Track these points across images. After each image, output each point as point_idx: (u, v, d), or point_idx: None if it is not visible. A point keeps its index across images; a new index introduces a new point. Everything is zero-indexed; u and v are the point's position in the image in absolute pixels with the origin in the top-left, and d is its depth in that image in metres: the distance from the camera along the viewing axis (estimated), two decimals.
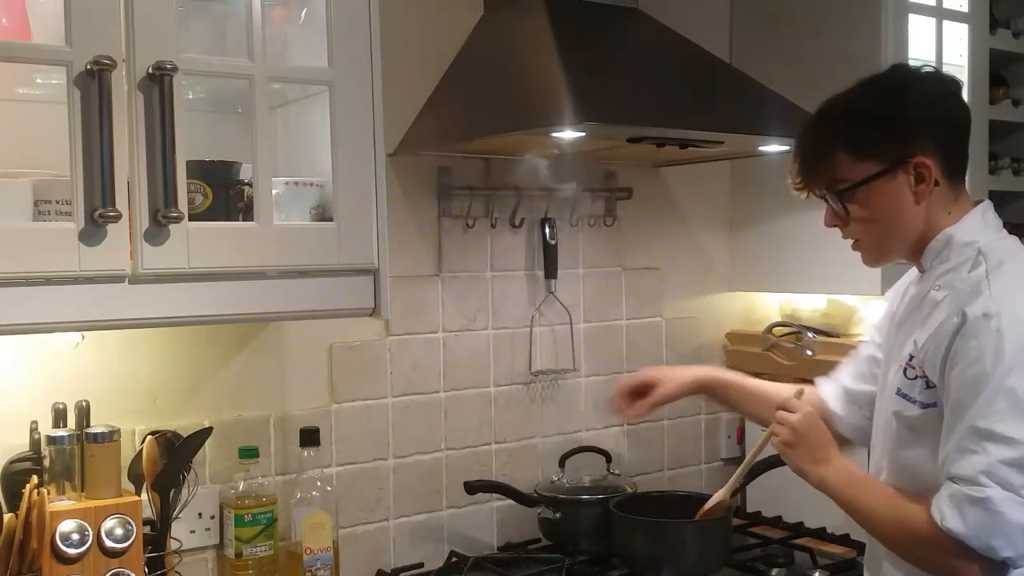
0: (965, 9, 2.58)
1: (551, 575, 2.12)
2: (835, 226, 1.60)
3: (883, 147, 1.51)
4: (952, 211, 1.54)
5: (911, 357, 1.52)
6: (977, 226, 1.54)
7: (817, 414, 1.64)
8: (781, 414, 1.63)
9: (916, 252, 1.57)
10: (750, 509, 2.61)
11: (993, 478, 1.36)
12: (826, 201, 1.57)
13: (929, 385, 1.48)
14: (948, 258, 1.53)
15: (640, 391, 1.94)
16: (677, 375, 1.94)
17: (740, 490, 2.35)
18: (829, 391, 1.81)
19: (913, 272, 1.67)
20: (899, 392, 1.53)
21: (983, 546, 1.37)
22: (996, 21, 2.71)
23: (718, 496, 1.96)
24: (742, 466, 1.89)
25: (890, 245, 1.58)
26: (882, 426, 1.61)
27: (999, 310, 1.40)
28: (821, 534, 2.39)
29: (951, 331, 1.43)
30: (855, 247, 1.61)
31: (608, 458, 2.36)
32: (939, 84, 1.57)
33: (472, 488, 2.19)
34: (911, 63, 1.59)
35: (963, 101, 1.59)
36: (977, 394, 1.38)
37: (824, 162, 1.54)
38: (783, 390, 1.82)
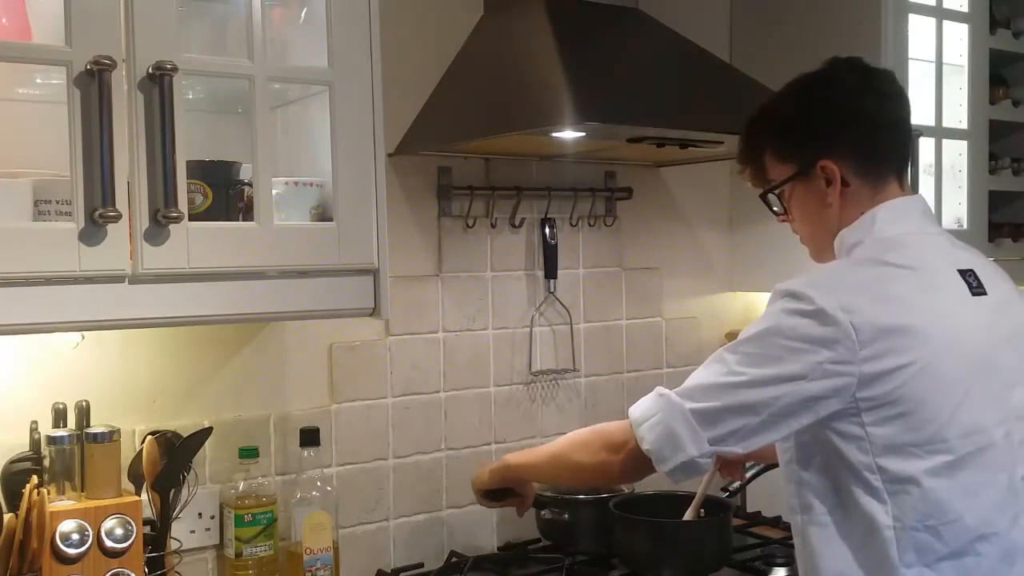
0: (965, 9, 2.58)
1: (551, 575, 2.12)
2: (784, 221, 1.63)
3: (796, 150, 1.54)
4: (867, 209, 1.52)
5: None
6: (865, 227, 1.51)
7: None
8: None
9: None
10: (750, 509, 2.60)
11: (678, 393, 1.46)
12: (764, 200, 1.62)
13: None
14: (840, 257, 1.55)
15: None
16: None
17: (740, 491, 2.34)
18: None
19: None
20: None
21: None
22: (996, 21, 2.72)
23: (694, 510, 2.03)
24: (701, 488, 2.00)
25: (819, 242, 1.60)
26: None
27: (789, 284, 1.43)
28: None
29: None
30: (802, 243, 1.65)
31: None
32: (864, 81, 1.54)
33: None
34: (841, 59, 1.56)
35: (893, 93, 1.55)
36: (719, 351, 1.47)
37: (754, 162, 1.60)
38: None
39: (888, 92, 1.54)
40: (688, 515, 2.04)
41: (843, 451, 1.41)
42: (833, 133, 1.51)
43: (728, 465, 1.96)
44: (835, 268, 1.52)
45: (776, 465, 2.20)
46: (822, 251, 1.61)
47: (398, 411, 2.21)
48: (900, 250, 1.48)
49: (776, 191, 1.58)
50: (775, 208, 1.61)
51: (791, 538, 2.32)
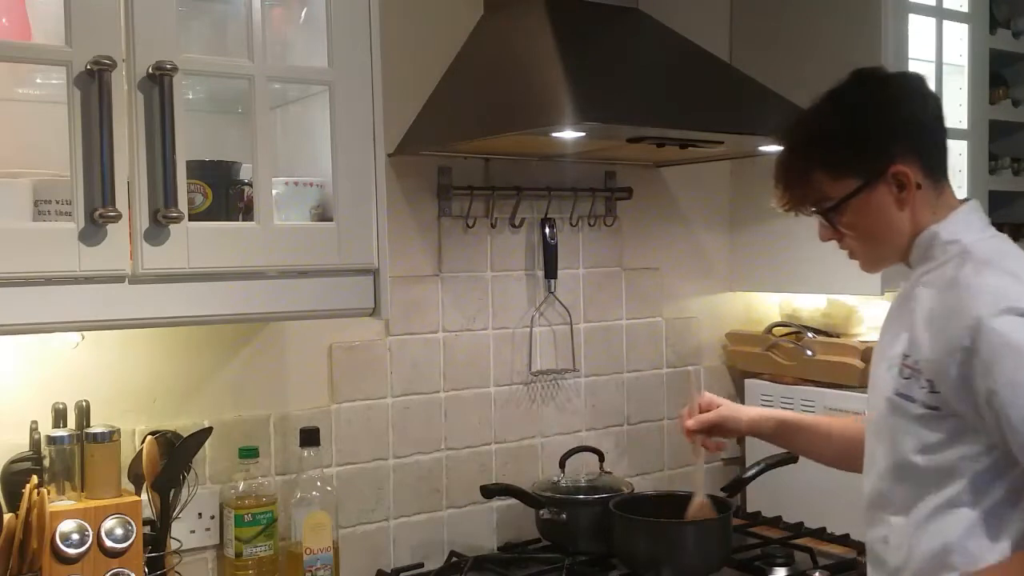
0: (965, 9, 2.58)
1: (551, 575, 2.12)
2: (830, 240, 1.61)
3: (858, 163, 1.52)
4: (936, 210, 1.54)
5: (905, 356, 1.51)
6: (961, 225, 1.54)
7: None
8: None
9: (903, 254, 1.58)
10: (750, 509, 2.61)
11: None
12: (816, 218, 1.59)
13: (934, 390, 1.47)
14: (933, 256, 1.53)
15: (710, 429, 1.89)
16: (745, 412, 1.90)
17: (739, 490, 2.34)
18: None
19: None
20: (897, 393, 1.52)
21: None
22: (996, 21, 2.72)
23: (698, 501, 2.00)
24: (697, 470, 1.97)
25: (883, 254, 1.59)
26: (874, 426, 1.61)
27: (1009, 304, 1.40)
28: (821, 534, 2.39)
29: (960, 342, 1.41)
30: (851, 257, 1.63)
31: (601, 457, 2.35)
32: (902, 86, 1.57)
33: (489, 492, 2.19)
34: (867, 69, 1.58)
35: (930, 93, 1.58)
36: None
37: (804, 185, 1.56)
38: (840, 424, 1.86)
39: (931, 92, 1.58)
40: (695, 507, 2.00)
41: None
42: (901, 138, 1.51)
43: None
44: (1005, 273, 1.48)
45: (776, 465, 2.22)
46: (882, 260, 1.61)
47: (398, 411, 2.21)
48: (1008, 245, 1.53)
49: (838, 206, 1.53)
50: (827, 223, 1.57)
51: (791, 538, 2.34)
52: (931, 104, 1.56)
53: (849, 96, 1.56)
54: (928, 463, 1.49)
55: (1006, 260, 1.49)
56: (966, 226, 1.54)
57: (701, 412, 1.87)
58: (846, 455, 1.78)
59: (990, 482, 1.46)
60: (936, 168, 1.55)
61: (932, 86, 2.44)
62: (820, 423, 1.89)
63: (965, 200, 1.60)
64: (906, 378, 1.51)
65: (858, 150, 1.52)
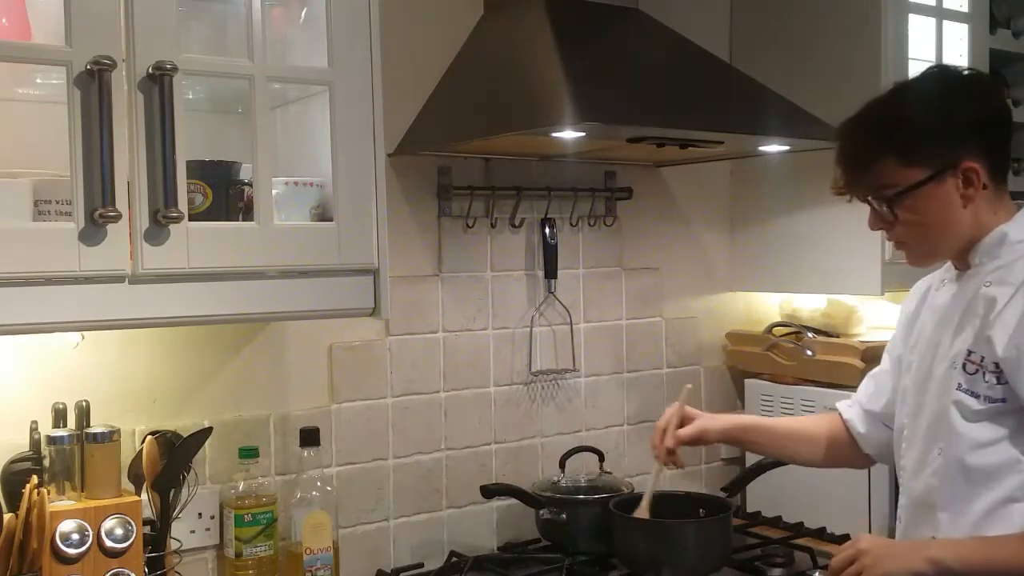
0: (965, 9, 2.58)
1: (551, 575, 2.12)
2: (880, 229, 1.61)
3: (932, 153, 1.51)
4: (998, 211, 1.56)
5: (970, 352, 1.53)
6: None
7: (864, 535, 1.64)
8: (839, 561, 1.57)
9: (964, 251, 1.59)
10: (750, 509, 2.61)
11: None
12: (871, 205, 1.58)
13: (1000, 381, 1.49)
14: (1000, 255, 1.55)
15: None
16: (718, 422, 1.93)
17: (739, 490, 2.35)
18: (852, 414, 1.86)
19: (938, 274, 1.69)
20: (960, 388, 1.54)
21: None
22: (996, 21, 2.71)
23: (646, 505, 2.03)
24: (656, 479, 2.00)
25: (938, 248, 1.60)
26: (928, 424, 1.61)
27: None
28: (821, 534, 2.38)
29: None
30: (899, 248, 1.62)
31: (601, 457, 2.35)
32: (982, 86, 1.58)
33: (489, 492, 2.19)
34: (947, 65, 1.59)
35: (1005, 101, 1.60)
36: None
37: (871, 168, 1.55)
38: (805, 423, 1.92)
39: (1004, 97, 1.61)
40: (642, 511, 2.02)
41: None
42: (976, 135, 1.52)
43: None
44: None
45: (775, 465, 2.22)
46: (935, 255, 1.62)
47: (398, 411, 2.21)
48: None
49: (903, 195, 1.53)
50: (885, 212, 1.57)
51: (791, 538, 2.34)
52: (1005, 108, 1.58)
53: (930, 87, 1.57)
54: (986, 462, 1.52)
55: None
56: None
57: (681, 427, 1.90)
58: (814, 455, 1.85)
59: None
60: (1001, 171, 1.56)
61: None
62: (782, 427, 1.94)
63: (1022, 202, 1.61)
64: (971, 373, 1.53)
65: (934, 140, 1.52)
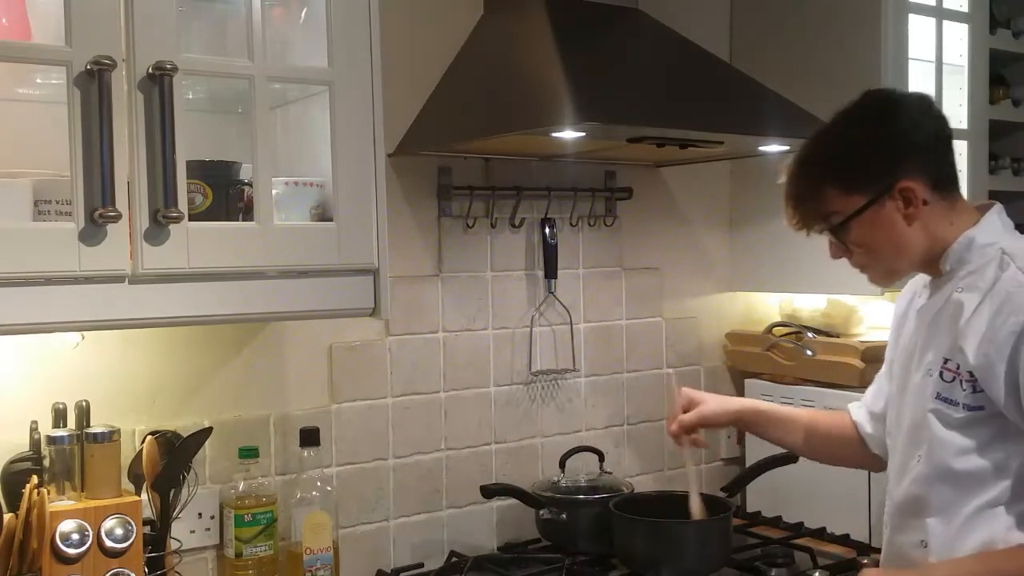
0: (965, 9, 2.58)
1: (551, 575, 2.12)
2: (840, 257, 1.64)
3: (867, 179, 1.55)
4: (953, 220, 1.58)
5: (946, 360, 1.55)
6: (996, 228, 1.58)
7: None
8: None
9: (927, 263, 1.61)
10: (750, 509, 2.61)
11: None
12: (828, 236, 1.62)
13: (976, 389, 1.51)
14: (969, 260, 1.56)
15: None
16: (729, 405, 1.94)
17: (739, 490, 2.35)
18: (860, 415, 1.86)
19: (920, 278, 1.70)
20: (939, 397, 1.55)
21: None
22: (996, 21, 2.72)
23: (696, 504, 2.02)
24: (690, 470, 2.00)
25: (896, 267, 1.63)
26: (907, 430, 1.63)
27: None
28: (821, 534, 2.39)
29: (1013, 333, 1.46)
30: (864, 271, 1.65)
31: (601, 457, 2.35)
32: (912, 106, 1.61)
33: (489, 492, 2.19)
34: (881, 89, 1.65)
35: (938, 113, 1.63)
36: None
37: (815, 201, 1.59)
38: (799, 414, 1.93)
39: (939, 114, 1.63)
40: (695, 508, 2.02)
41: None
42: (908, 156, 1.56)
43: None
44: None
45: (776, 465, 2.22)
46: (895, 274, 1.65)
47: (398, 411, 2.21)
48: None
49: (848, 222, 1.57)
50: (837, 241, 1.61)
51: (791, 538, 2.34)
52: (939, 124, 1.61)
53: (859, 115, 1.60)
54: (971, 467, 1.53)
55: None
56: (1001, 228, 1.58)
57: (684, 412, 1.90)
58: (829, 448, 1.85)
59: None
60: (945, 184, 1.58)
61: (932, 86, 2.47)
62: (797, 414, 1.93)
63: (989, 203, 1.63)
64: (948, 381, 1.54)
65: (867, 166, 1.56)
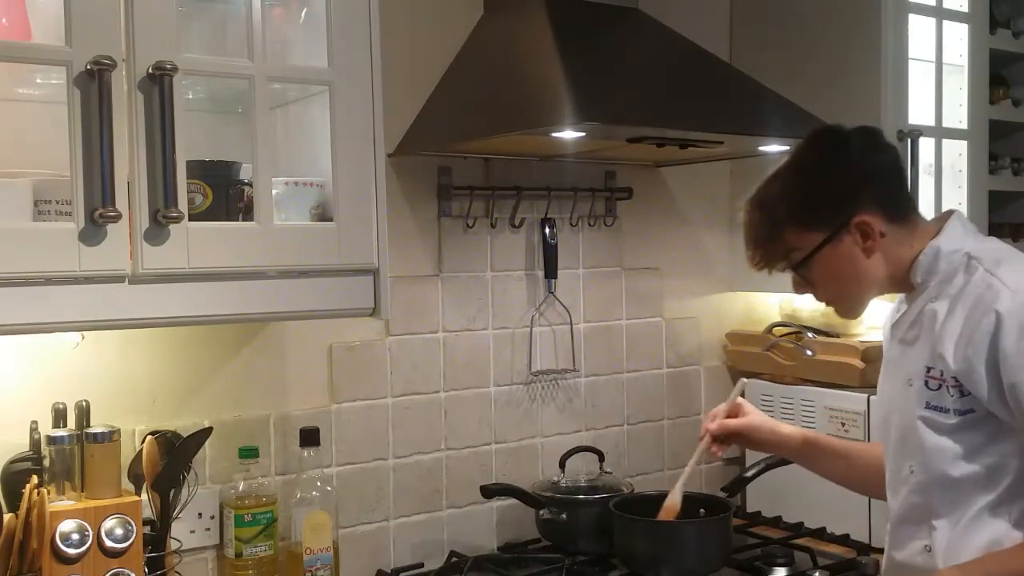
0: (965, 9, 2.58)
1: (551, 575, 2.12)
2: (805, 292, 1.67)
3: (823, 215, 1.58)
4: (913, 244, 1.60)
5: (928, 368, 1.55)
6: (958, 234, 1.59)
7: None
8: None
9: (896, 283, 1.63)
10: (750, 509, 2.61)
11: None
12: (791, 274, 1.65)
13: (964, 393, 1.51)
14: (938, 270, 1.58)
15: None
16: (779, 427, 1.89)
17: (739, 490, 2.34)
18: None
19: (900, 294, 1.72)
20: (928, 406, 1.56)
21: None
22: (996, 21, 2.72)
23: (674, 500, 1.99)
24: (688, 468, 1.95)
25: (860, 298, 1.65)
26: (895, 442, 1.64)
27: (1021, 301, 1.46)
28: (821, 534, 2.39)
29: (988, 334, 1.47)
30: (830, 305, 1.68)
31: (601, 457, 2.35)
32: (860, 141, 1.62)
33: (489, 492, 2.19)
34: (830, 127, 1.66)
35: (887, 145, 1.64)
36: None
37: (774, 241, 1.62)
38: (860, 446, 1.90)
39: (889, 145, 1.64)
40: (671, 503, 2.00)
41: None
42: (861, 190, 1.57)
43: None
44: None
45: (776, 465, 2.22)
46: (860, 305, 1.66)
47: (398, 411, 2.21)
48: (1005, 245, 1.60)
49: (808, 259, 1.60)
50: (800, 278, 1.64)
51: (791, 538, 2.34)
52: (889, 156, 1.63)
53: (810, 153, 1.63)
54: (969, 471, 1.54)
55: (1012, 258, 1.55)
56: (963, 234, 1.60)
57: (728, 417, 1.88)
58: (868, 480, 1.80)
59: None
60: (901, 213, 1.60)
61: (932, 86, 2.47)
62: (843, 447, 1.90)
63: (947, 212, 1.65)
64: (934, 389, 1.55)
65: (822, 203, 1.58)
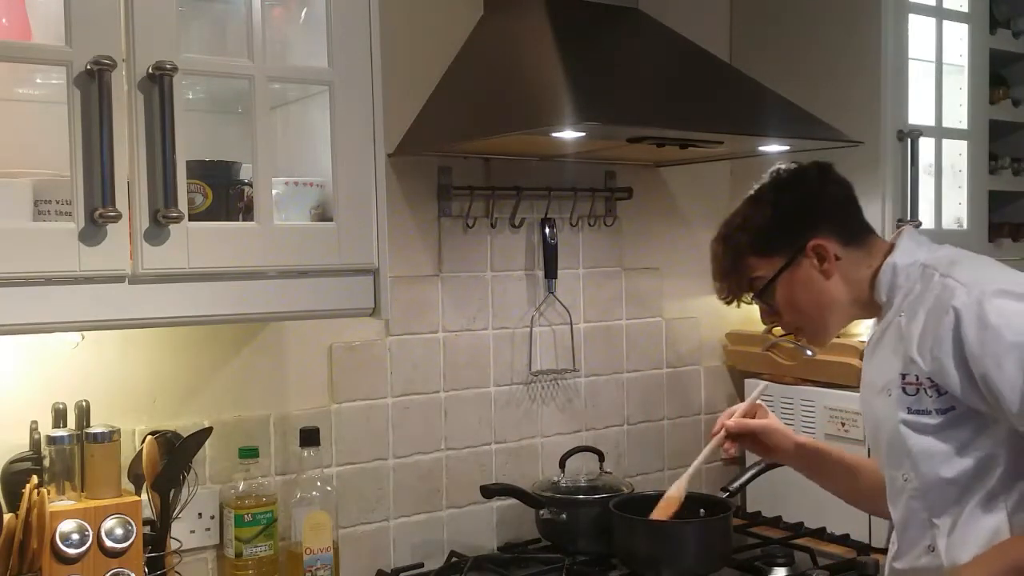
0: (965, 9, 2.58)
1: (551, 575, 2.12)
2: (772, 323, 1.75)
3: (781, 241, 1.67)
4: (871, 262, 1.67)
5: (903, 375, 1.60)
6: (911, 248, 1.66)
7: None
8: None
9: (862, 308, 1.70)
10: (750, 509, 2.61)
11: None
12: (757, 303, 1.74)
13: (941, 392, 1.55)
14: (899, 284, 1.64)
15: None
16: (793, 435, 1.92)
17: (739, 491, 2.34)
18: None
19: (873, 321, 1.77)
20: (910, 411, 1.60)
21: None
22: (996, 21, 2.72)
23: (678, 491, 2.00)
24: (698, 461, 1.96)
25: (826, 323, 1.71)
26: (885, 453, 1.68)
27: (982, 289, 1.51)
28: (821, 534, 2.39)
29: (950, 330, 1.52)
30: (798, 335, 1.77)
31: (601, 457, 2.35)
32: (814, 175, 1.71)
33: (489, 492, 2.19)
34: (781, 165, 1.76)
35: (838, 179, 1.72)
36: (1020, 362, 1.46)
37: (738, 272, 1.72)
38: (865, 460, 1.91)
39: (838, 177, 1.73)
40: (672, 495, 2.00)
41: None
42: (815, 216, 1.67)
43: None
44: (987, 264, 1.64)
45: (776, 465, 2.22)
46: (826, 329, 1.72)
47: (398, 411, 2.21)
48: (957, 250, 1.67)
49: (770, 285, 1.69)
50: (766, 306, 1.73)
51: (791, 538, 2.34)
52: (841, 188, 1.72)
53: (767, 189, 1.73)
54: (960, 469, 1.57)
55: (964, 259, 1.62)
56: (916, 247, 1.66)
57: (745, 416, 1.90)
58: (876, 496, 1.79)
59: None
60: (855, 236, 1.69)
61: (932, 86, 2.47)
62: (852, 460, 1.91)
63: (899, 231, 1.72)
64: (912, 394, 1.59)
65: (779, 230, 1.68)
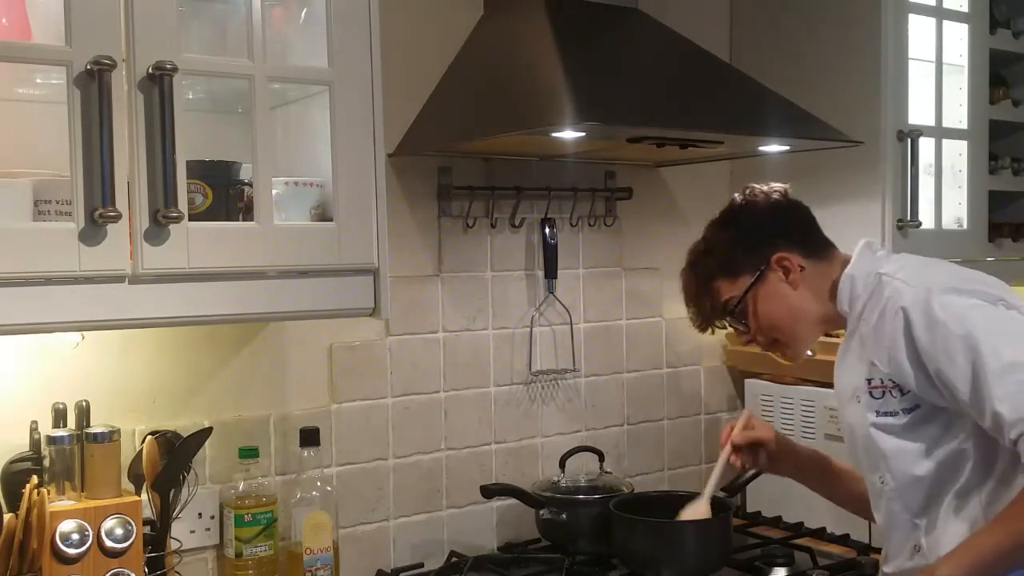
0: (965, 9, 2.58)
1: (551, 575, 2.12)
2: (749, 343, 1.80)
3: (746, 260, 1.75)
4: (832, 273, 1.74)
5: (869, 380, 1.65)
6: (867, 259, 1.72)
7: None
8: None
9: (829, 321, 1.76)
10: (750, 509, 2.61)
11: None
12: (732, 326, 1.80)
13: (903, 392, 1.61)
14: (858, 294, 1.69)
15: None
16: (798, 446, 1.99)
17: (738, 490, 2.34)
18: None
19: None
20: (878, 413, 1.65)
21: None
22: (996, 21, 2.71)
23: (701, 510, 2.01)
24: (714, 479, 1.97)
25: (796, 333, 1.77)
26: (862, 458, 1.73)
27: (927, 287, 1.56)
28: (821, 534, 2.39)
29: (901, 329, 1.57)
30: (775, 352, 1.81)
31: (601, 457, 2.35)
32: (770, 200, 1.81)
33: (489, 492, 2.19)
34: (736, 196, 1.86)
35: (794, 201, 1.82)
36: (970, 354, 1.50)
37: (709, 295, 1.79)
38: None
39: (794, 200, 1.82)
40: (698, 508, 2.01)
41: None
42: (775, 233, 1.76)
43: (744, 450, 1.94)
44: (936, 265, 1.71)
45: None
46: (801, 341, 1.79)
47: (398, 411, 2.21)
48: (907, 255, 1.75)
49: (741, 303, 1.75)
50: (740, 326, 1.78)
51: (791, 538, 2.34)
52: (797, 209, 1.81)
53: (727, 212, 1.84)
54: (932, 466, 1.62)
55: (914, 263, 1.70)
56: (872, 257, 1.73)
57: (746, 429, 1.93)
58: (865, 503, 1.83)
59: (992, 450, 1.57)
60: (815, 249, 1.77)
61: (932, 86, 2.47)
62: (849, 467, 1.93)
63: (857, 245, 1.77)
64: (879, 397, 1.65)
65: (742, 249, 1.76)
